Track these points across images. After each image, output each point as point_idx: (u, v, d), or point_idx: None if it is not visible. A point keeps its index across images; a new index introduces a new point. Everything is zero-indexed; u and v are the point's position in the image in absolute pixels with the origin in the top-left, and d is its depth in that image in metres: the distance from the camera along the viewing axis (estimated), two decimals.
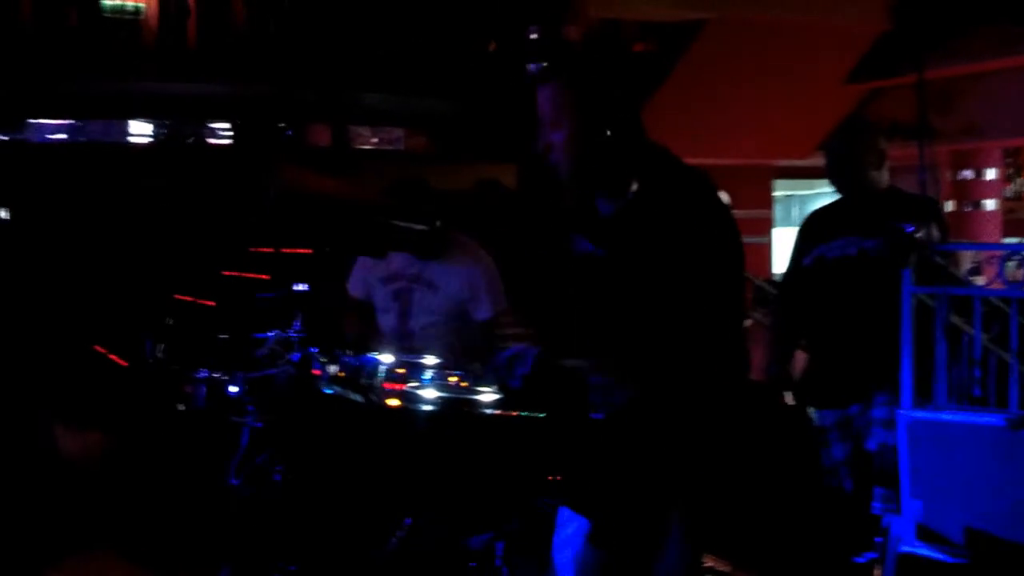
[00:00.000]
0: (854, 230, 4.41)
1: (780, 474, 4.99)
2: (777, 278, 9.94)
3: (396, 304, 4.78)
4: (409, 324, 4.71)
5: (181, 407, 3.67)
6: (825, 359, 4.58)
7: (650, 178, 2.83)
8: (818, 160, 12.20)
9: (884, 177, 4.46)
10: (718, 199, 2.86)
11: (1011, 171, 13.19)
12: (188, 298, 4.61)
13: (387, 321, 4.76)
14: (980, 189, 11.52)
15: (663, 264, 2.76)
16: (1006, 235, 11.86)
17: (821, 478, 4.60)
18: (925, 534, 4.08)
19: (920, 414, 4.17)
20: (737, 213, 2.96)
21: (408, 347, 4.58)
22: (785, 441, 4.97)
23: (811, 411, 4.64)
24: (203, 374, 3.62)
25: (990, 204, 11.57)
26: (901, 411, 4.19)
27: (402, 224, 4.31)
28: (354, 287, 4.88)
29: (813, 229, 4.63)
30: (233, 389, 3.52)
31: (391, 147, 9.20)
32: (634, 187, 2.83)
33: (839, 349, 4.50)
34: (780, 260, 12.54)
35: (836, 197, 4.80)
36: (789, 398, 4.70)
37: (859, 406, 4.41)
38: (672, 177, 2.85)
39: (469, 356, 4.48)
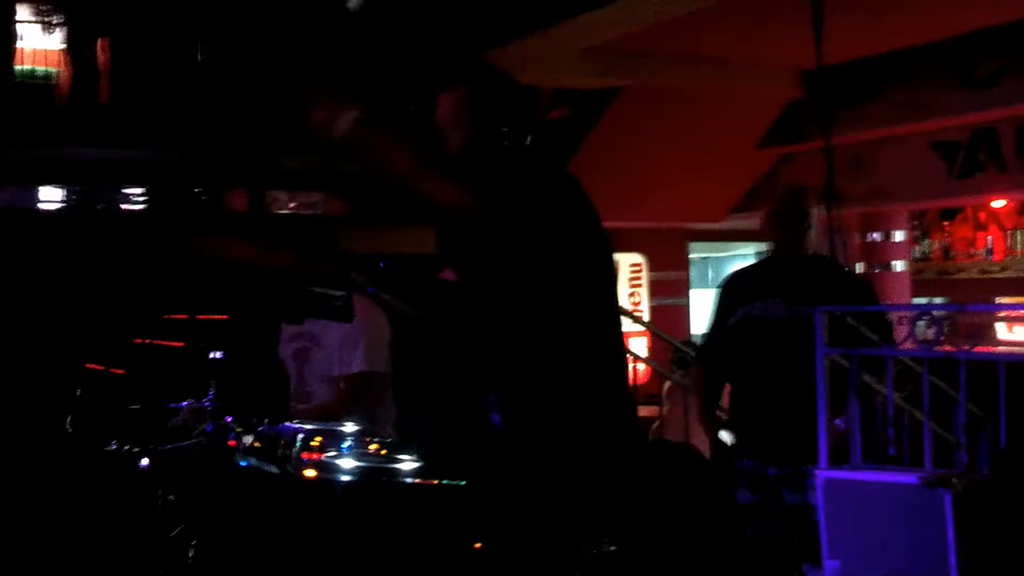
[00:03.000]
0: (782, 292, 4.49)
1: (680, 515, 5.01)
2: (695, 339, 10.02)
3: (295, 364, 4.80)
4: (306, 384, 4.72)
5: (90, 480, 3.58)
6: (751, 419, 4.63)
7: (500, 186, 2.84)
8: (732, 223, 12.37)
9: (814, 242, 4.58)
10: (570, 216, 2.82)
11: (918, 233, 13.49)
12: (99, 367, 4.50)
13: (293, 381, 4.79)
14: (889, 251, 11.74)
15: (504, 275, 2.75)
16: (915, 296, 12.09)
17: (728, 522, 4.64)
18: None
19: (836, 473, 4.21)
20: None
21: (307, 408, 4.57)
22: (682, 482, 5.00)
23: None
24: (114, 447, 3.54)
25: (899, 265, 11.79)
26: (818, 470, 4.23)
27: (319, 290, 4.28)
28: (281, 351, 4.90)
29: (737, 289, 4.70)
30: (145, 462, 3.44)
31: (309, 211, 9.14)
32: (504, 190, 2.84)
33: (765, 410, 4.56)
34: (697, 321, 12.64)
35: (750, 259, 4.87)
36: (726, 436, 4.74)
37: (776, 469, 4.47)
38: (525, 189, 2.83)
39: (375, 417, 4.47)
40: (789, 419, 4.44)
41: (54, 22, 8.79)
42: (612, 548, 2.83)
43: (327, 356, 4.71)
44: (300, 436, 3.36)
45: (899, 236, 11.80)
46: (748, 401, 4.64)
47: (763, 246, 4.85)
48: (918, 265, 13.07)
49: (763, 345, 4.53)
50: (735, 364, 4.67)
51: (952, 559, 3.89)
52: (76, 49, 8.29)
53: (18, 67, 8.78)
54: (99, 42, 8.25)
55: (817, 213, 4.56)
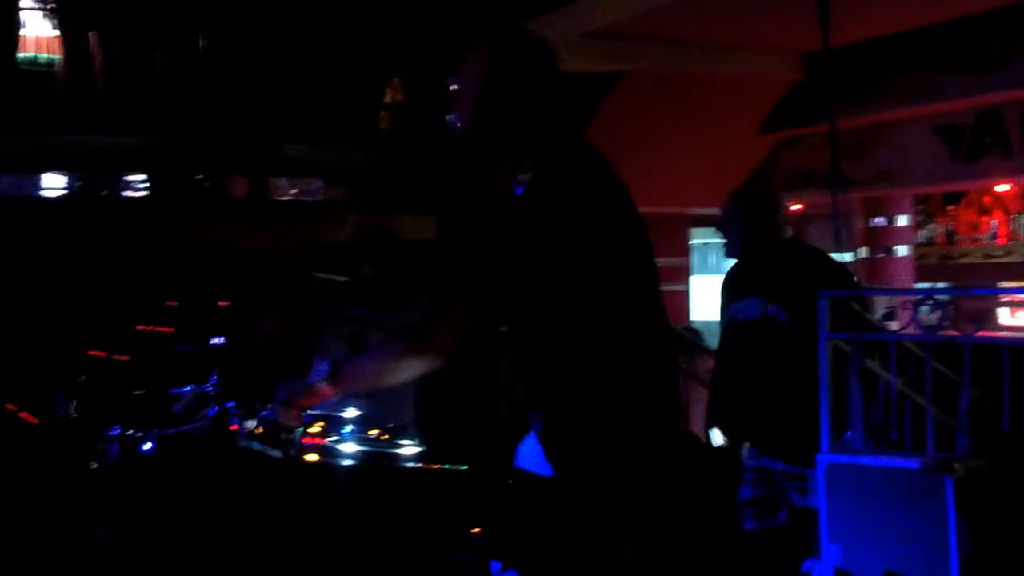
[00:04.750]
0: (758, 290, 4.52)
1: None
2: (695, 325, 10.02)
3: (346, 347, 4.75)
4: None
5: (94, 465, 3.58)
6: (745, 419, 4.68)
7: (547, 164, 2.78)
8: None
9: (782, 232, 4.60)
10: (603, 195, 2.80)
11: (922, 217, 13.46)
12: (102, 353, 4.52)
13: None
14: (892, 235, 11.71)
15: (546, 256, 2.67)
16: (918, 280, 12.07)
17: (727, 512, 4.66)
18: None
19: (837, 458, 4.21)
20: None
21: (352, 393, 4.53)
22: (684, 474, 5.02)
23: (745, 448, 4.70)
24: (116, 431, 3.55)
25: (902, 250, 11.76)
26: (819, 455, 4.24)
27: (322, 276, 4.28)
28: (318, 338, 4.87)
29: (729, 287, 4.74)
30: (147, 446, 3.45)
31: (310, 198, 9.16)
32: (528, 171, 2.78)
33: (758, 408, 4.60)
34: (698, 307, 12.64)
35: None
36: (717, 436, 4.77)
37: (783, 463, 4.50)
38: (568, 167, 2.78)
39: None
40: (781, 418, 4.48)
41: (53, 9, 8.79)
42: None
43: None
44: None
45: (903, 221, 11.77)
46: (742, 400, 4.69)
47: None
48: (922, 250, 13.04)
49: (746, 346, 4.58)
50: (729, 365, 4.73)
51: (953, 543, 3.90)
52: (72, 39, 8.29)
53: (20, 55, 8.79)
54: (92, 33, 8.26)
55: (778, 202, 4.64)
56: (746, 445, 4.67)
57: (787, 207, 4.67)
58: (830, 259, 4.78)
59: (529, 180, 2.75)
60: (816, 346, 4.34)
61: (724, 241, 4.69)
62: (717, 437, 4.77)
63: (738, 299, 4.59)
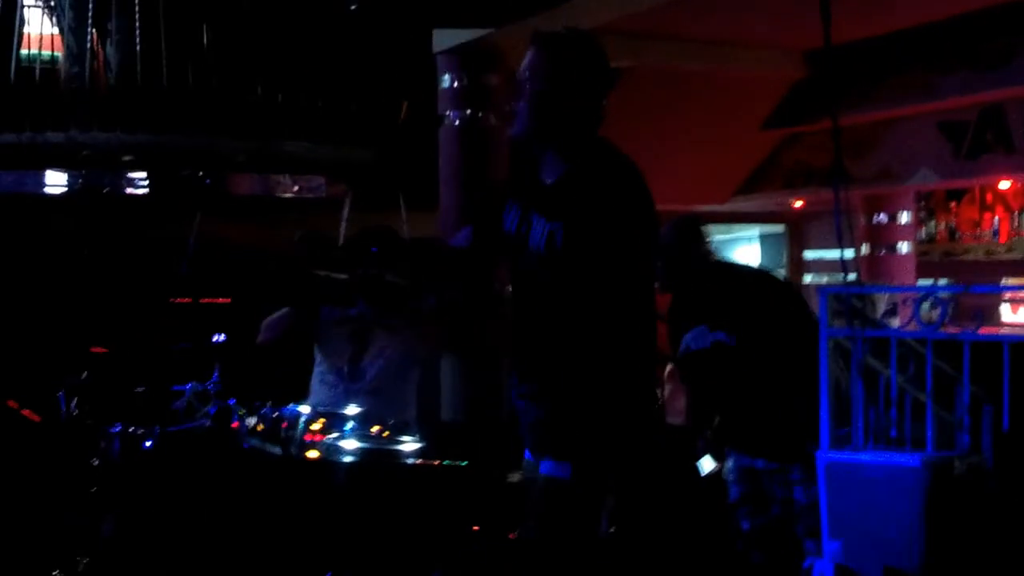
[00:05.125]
0: (703, 318, 4.62)
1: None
2: None
3: (350, 345, 4.74)
4: (362, 365, 4.70)
5: (95, 462, 3.59)
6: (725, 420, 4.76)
7: (586, 158, 2.98)
8: (735, 205, 12.35)
9: (711, 256, 4.73)
10: (641, 192, 3.02)
11: (924, 214, 13.45)
12: (103, 350, 4.52)
13: (336, 363, 4.73)
14: (894, 232, 11.71)
15: (580, 241, 2.83)
16: (920, 277, 12.07)
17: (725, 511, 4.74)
18: (845, 575, 4.12)
19: (838, 455, 4.22)
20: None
21: (356, 390, 4.55)
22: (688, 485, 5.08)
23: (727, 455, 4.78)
24: (118, 428, 3.56)
25: (904, 247, 11.76)
26: (819, 453, 4.25)
27: (322, 274, 4.28)
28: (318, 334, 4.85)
29: (675, 319, 4.84)
30: (149, 443, 3.46)
31: (312, 195, 9.16)
32: (570, 163, 2.93)
33: (730, 416, 4.69)
34: None
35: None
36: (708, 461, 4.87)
37: (763, 461, 4.57)
38: (605, 162, 3.02)
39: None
40: (752, 423, 4.55)
41: (54, 7, 8.80)
42: (611, 529, 2.85)
43: (405, 342, 4.67)
44: (303, 418, 3.38)
45: (905, 218, 11.77)
46: (715, 416, 4.77)
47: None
48: (924, 246, 13.03)
49: (706, 372, 4.65)
50: (696, 391, 4.82)
51: (952, 542, 3.91)
52: (73, 36, 8.31)
53: (23, 51, 8.80)
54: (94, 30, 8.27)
55: (700, 234, 4.73)
56: (707, 463, 4.78)
57: (708, 231, 4.84)
58: (760, 273, 4.97)
59: (569, 170, 2.87)
60: (766, 359, 4.46)
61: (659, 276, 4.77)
62: (707, 464, 4.87)
63: (687, 329, 4.68)
